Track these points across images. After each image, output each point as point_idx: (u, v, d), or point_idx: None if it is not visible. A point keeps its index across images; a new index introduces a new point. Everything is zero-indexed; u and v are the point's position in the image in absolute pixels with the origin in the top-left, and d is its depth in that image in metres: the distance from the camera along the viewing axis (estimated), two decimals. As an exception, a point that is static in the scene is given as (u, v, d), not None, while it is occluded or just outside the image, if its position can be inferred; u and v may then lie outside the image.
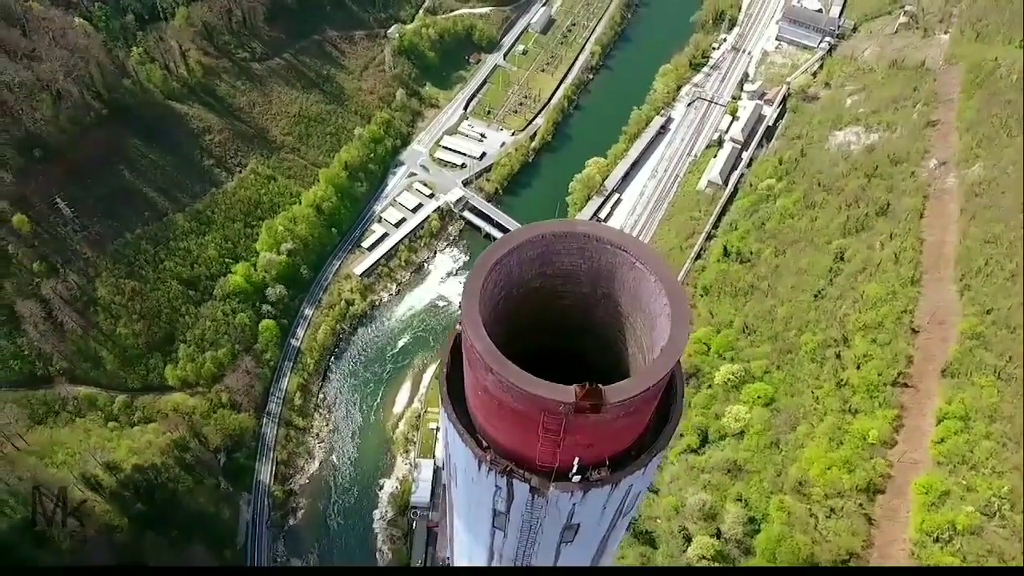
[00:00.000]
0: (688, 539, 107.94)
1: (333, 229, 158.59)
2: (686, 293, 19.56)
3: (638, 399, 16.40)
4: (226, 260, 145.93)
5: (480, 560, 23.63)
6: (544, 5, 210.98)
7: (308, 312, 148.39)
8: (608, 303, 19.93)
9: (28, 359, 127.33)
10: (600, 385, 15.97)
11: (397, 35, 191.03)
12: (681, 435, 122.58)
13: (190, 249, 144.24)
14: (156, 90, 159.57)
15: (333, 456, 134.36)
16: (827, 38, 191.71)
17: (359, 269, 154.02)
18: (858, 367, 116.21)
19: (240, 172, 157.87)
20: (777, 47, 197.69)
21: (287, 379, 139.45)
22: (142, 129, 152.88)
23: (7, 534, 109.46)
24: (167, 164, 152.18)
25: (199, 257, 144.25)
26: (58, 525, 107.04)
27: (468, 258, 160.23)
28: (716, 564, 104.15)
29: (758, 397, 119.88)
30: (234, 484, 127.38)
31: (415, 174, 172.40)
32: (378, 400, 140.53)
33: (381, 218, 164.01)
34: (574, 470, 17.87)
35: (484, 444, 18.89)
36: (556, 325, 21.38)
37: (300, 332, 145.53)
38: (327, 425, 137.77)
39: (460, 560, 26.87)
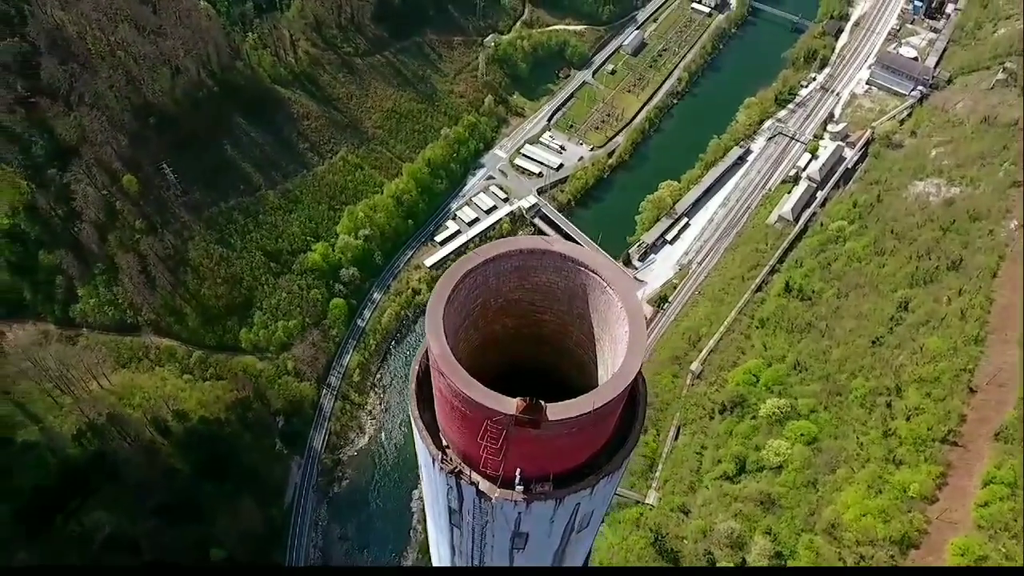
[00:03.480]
0: (712, 564, 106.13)
1: (409, 221, 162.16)
2: (645, 322, 19.02)
3: (581, 420, 16.11)
4: (308, 238, 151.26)
5: (446, 554, 24.05)
6: (638, 28, 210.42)
7: (376, 296, 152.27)
8: (583, 323, 19.82)
9: (121, 307, 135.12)
10: (541, 401, 15.89)
11: (493, 44, 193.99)
12: (719, 461, 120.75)
13: (276, 224, 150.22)
14: (265, 74, 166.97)
15: (382, 434, 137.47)
16: (919, 87, 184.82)
17: (429, 261, 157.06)
18: (908, 418, 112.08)
19: (331, 158, 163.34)
20: (867, 91, 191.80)
21: (349, 356, 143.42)
22: (247, 109, 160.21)
23: (82, 464, 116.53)
24: (266, 143, 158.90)
25: (283, 232, 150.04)
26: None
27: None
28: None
29: (801, 434, 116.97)
30: (288, 447, 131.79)
31: (493, 177, 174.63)
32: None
33: (456, 215, 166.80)
34: (517, 480, 17.87)
35: (444, 444, 19.05)
36: (536, 340, 21.33)
37: (367, 313, 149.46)
38: (380, 404, 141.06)
39: (433, 553, 27.32)
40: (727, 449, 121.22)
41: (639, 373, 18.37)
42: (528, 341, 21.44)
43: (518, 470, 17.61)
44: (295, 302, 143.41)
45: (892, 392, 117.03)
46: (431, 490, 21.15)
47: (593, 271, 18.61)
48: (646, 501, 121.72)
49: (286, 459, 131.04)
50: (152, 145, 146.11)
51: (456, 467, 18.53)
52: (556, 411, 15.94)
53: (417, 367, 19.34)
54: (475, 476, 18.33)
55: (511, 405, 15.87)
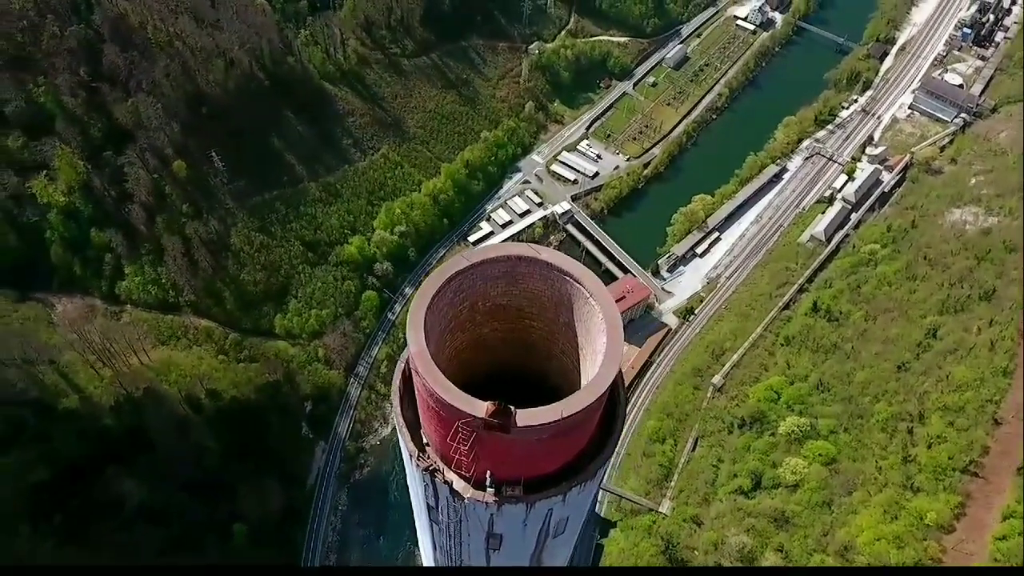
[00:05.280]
0: None
1: (445, 219, 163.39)
2: (623, 334, 18.52)
3: (550, 427, 15.97)
4: (345, 231, 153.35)
5: (429, 549, 24.26)
6: (681, 43, 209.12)
7: (408, 291, 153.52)
8: (568, 332, 19.74)
9: (164, 287, 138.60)
10: (511, 406, 15.81)
11: (537, 51, 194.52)
12: (734, 476, 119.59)
13: (316, 216, 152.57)
14: (314, 70, 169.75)
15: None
16: (963, 114, 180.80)
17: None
18: (929, 446, 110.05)
19: (372, 155, 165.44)
20: (908, 115, 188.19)
21: (378, 348, 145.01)
22: (296, 103, 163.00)
23: (117, 434, 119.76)
24: (311, 137, 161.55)
25: (322, 224, 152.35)
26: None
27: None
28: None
29: (819, 454, 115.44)
30: (314, 431, 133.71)
31: (529, 182, 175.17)
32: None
33: (490, 217, 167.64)
34: (488, 482, 17.85)
35: (425, 442, 19.07)
36: (525, 346, 21.31)
37: (397, 308, 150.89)
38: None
39: (420, 548, 27.48)
40: (744, 464, 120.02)
41: (620, 386, 18.30)
42: (517, 346, 21.45)
43: (488, 472, 17.61)
44: (329, 292, 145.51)
45: (915, 418, 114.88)
46: (412, 486, 21.28)
47: (577, 281, 18.55)
48: (660, 510, 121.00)
49: (311, 443, 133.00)
50: (203, 133, 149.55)
51: (431, 465, 18.56)
52: (525, 417, 15.90)
53: (403, 365, 19.36)
54: (449, 475, 18.25)
55: (481, 408, 15.88)
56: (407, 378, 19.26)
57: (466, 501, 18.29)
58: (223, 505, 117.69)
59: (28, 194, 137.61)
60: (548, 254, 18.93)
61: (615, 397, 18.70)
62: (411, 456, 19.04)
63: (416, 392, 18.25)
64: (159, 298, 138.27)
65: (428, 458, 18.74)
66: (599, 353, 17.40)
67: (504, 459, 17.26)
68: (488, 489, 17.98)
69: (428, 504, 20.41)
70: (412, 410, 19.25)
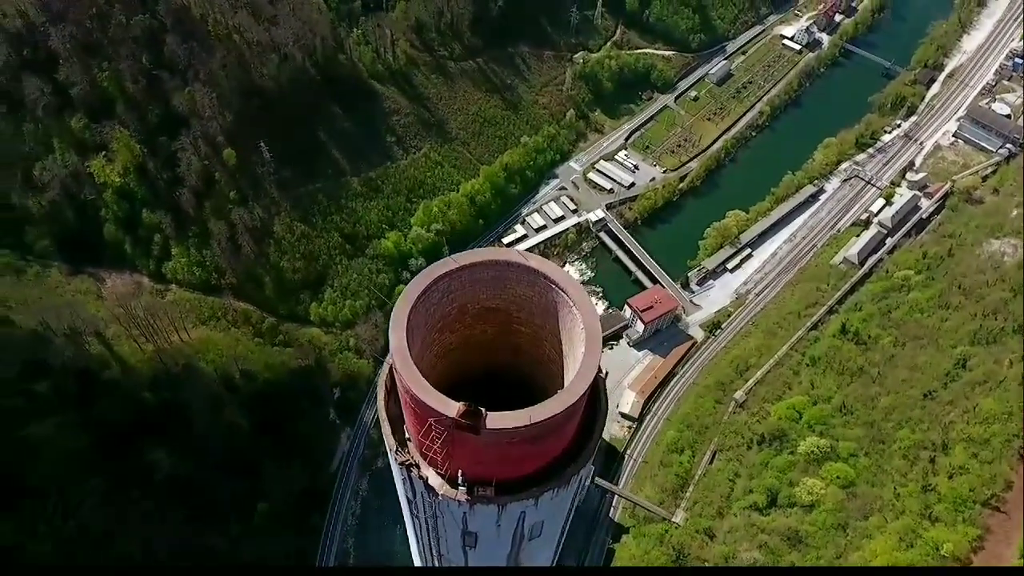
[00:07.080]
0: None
1: (480, 220, 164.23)
2: (601, 346, 18.20)
3: (519, 432, 15.89)
4: (383, 226, 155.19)
5: (413, 542, 24.44)
6: (726, 59, 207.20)
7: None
8: (554, 338, 19.75)
9: (208, 269, 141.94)
10: (482, 408, 15.74)
11: (581, 61, 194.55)
12: (750, 491, 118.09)
13: (356, 209, 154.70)
14: (364, 69, 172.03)
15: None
16: (1009, 145, 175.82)
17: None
18: (951, 476, 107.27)
19: (414, 153, 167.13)
20: (952, 143, 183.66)
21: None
22: (344, 100, 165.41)
23: (154, 407, 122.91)
24: (356, 133, 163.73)
25: (361, 218, 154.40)
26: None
27: (593, 274, 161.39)
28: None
29: (837, 477, 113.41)
30: (340, 417, 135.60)
31: (565, 188, 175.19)
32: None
33: (525, 220, 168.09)
34: (460, 481, 17.87)
35: (407, 437, 19.17)
36: (514, 350, 21.37)
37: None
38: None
39: (409, 539, 27.79)
40: (760, 480, 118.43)
41: (600, 395, 18.30)
42: (507, 349, 21.53)
43: (460, 471, 17.68)
44: (364, 284, 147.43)
45: (938, 448, 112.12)
46: (397, 479, 21.43)
47: (562, 289, 18.51)
48: (673, 519, 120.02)
49: (337, 429, 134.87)
50: (253, 124, 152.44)
51: (409, 460, 18.68)
52: (495, 420, 15.92)
53: (390, 363, 19.25)
54: (426, 471, 18.30)
55: (453, 408, 15.94)
56: (393, 374, 19.38)
57: (439, 498, 18.39)
58: (248, 482, 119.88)
59: (87, 173, 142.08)
60: (536, 261, 18.95)
61: (595, 406, 18.55)
62: (391, 450, 19.27)
63: (399, 390, 18.40)
64: (202, 279, 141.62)
65: (408, 453, 18.85)
66: (578, 362, 17.34)
67: (476, 459, 17.28)
68: (460, 488, 18.01)
69: (408, 498, 20.58)
70: (397, 406, 19.36)
